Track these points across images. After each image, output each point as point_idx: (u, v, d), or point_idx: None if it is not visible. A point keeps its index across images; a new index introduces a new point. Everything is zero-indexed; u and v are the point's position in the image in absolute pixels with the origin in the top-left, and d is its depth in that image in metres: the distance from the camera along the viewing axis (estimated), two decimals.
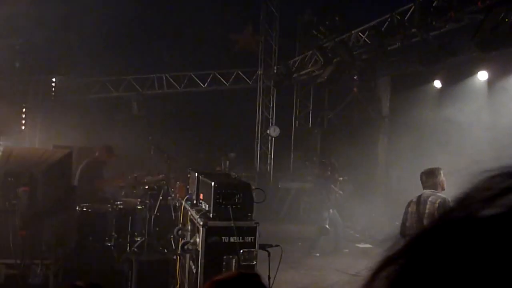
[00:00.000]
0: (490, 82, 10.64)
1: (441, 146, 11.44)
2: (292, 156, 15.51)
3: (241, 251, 3.81)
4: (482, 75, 10.52)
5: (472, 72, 10.60)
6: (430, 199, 5.05)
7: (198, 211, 4.20)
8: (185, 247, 3.94)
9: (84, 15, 11.89)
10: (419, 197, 5.18)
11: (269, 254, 4.17)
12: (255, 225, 3.89)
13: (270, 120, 15.21)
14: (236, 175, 13.59)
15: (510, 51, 6.81)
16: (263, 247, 4.11)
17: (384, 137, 14.49)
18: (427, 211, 4.98)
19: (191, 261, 4.21)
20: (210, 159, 14.52)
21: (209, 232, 3.76)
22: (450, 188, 10.52)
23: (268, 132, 14.91)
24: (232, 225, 3.74)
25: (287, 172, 14.95)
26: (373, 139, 14.36)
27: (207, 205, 4.05)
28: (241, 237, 3.82)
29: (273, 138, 15.13)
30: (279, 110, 15.22)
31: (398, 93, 13.80)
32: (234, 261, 3.78)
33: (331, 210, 9.40)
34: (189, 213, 4.46)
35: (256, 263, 3.93)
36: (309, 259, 9.24)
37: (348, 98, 14.78)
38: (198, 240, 3.80)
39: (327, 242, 9.69)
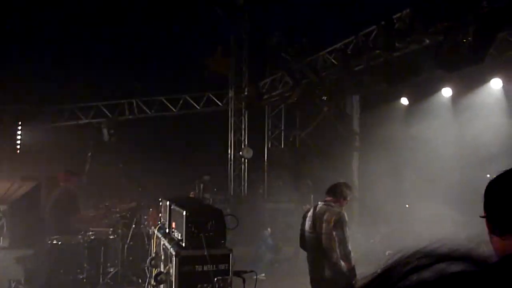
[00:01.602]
0: (454, 99, 10.98)
1: (409, 162, 11.70)
2: (266, 177, 15.53)
3: (216, 279, 3.77)
4: (446, 92, 10.84)
5: (437, 89, 10.93)
6: (325, 217, 4.90)
7: (170, 240, 4.16)
8: (158, 278, 3.89)
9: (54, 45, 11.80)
10: (314, 212, 5.05)
11: (244, 281, 4.15)
12: (228, 252, 3.87)
13: (243, 141, 15.24)
14: (211, 198, 13.57)
15: (471, 69, 7.06)
16: (237, 273, 4.09)
17: (356, 154, 14.70)
18: (323, 231, 4.86)
19: None
20: (184, 183, 14.40)
21: (182, 261, 3.73)
22: (420, 203, 10.74)
23: (241, 153, 14.93)
24: (205, 253, 3.71)
25: (260, 193, 14.95)
26: (345, 156, 14.54)
27: (179, 234, 4.02)
28: (214, 265, 3.79)
29: (246, 160, 15.14)
30: (251, 132, 15.29)
31: (367, 110, 14.09)
32: None
33: (269, 229, 9.37)
34: (161, 243, 4.42)
35: None
36: (286, 282, 9.21)
37: (318, 118, 14.96)
38: (171, 270, 3.76)
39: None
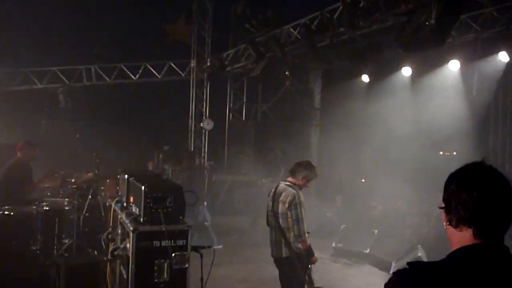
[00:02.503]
0: (414, 78, 11.20)
1: (368, 139, 11.95)
2: (226, 150, 15.53)
3: (173, 254, 3.79)
4: (406, 71, 11.03)
5: (397, 68, 11.10)
6: (281, 197, 4.96)
7: (128, 215, 4.12)
8: (115, 252, 3.86)
9: (7, 3, 11.19)
10: (275, 192, 5.10)
11: (201, 256, 4.18)
12: (187, 228, 3.88)
13: (204, 113, 15.12)
14: (170, 170, 13.46)
15: (431, 50, 7.20)
16: (195, 249, 4.11)
17: (316, 128, 14.87)
18: (280, 211, 4.95)
19: (121, 266, 4.13)
20: (143, 153, 14.21)
21: (140, 237, 3.71)
22: (376, 179, 11.03)
23: (202, 125, 14.82)
24: (164, 229, 3.71)
25: (221, 165, 14.97)
26: (305, 131, 14.70)
27: (137, 209, 3.98)
28: (172, 241, 3.79)
29: (207, 132, 15.07)
30: (213, 103, 15.16)
31: (329, 86, 14.22)
32: (166, 265, 3.76)
33: (205, 203, 9.41)
34: (119, 217, 4.37)
35: (188, 266, 3.93)
36: (244, 252, 9.35)
37: (281, 91, 14.99)
38: (128, 245, 3.74)
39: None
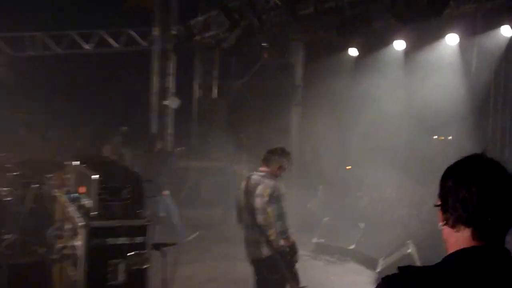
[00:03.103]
0: (407, 53, 11.29)
1: (355, 121, 12.05)
2: (194, 131, 15.44)
3: (130, 253, 3.77)
4: (399, 45, 11.10)
5: (389, 41, 11.16)
6: (257, 191, 4.96)
7: (79, 208, 4.08)
8: (63, 252, 3.82)
9: None
10: (248, 184, 5.11)
11: (163, 254, 4.17)
12: (146, 223, 3.86)
13: (169, 89, 14.97)
14: (128, 154, 13.33)
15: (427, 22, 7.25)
16: (156, 247, 4.11)
17: (297, 108, 14.91)
18: (257, 206, 4.95)
19: (71, 267, 4.10)
20: (98, 135, 14.02)
21: (92, 233, 3.68)
22: (363, 166, 11.16)
23: (166, 103, 14.68)
24: (119, 224, 3.68)
25: (187, 148, 14.90)
26: (285, 110, 14.73)
27: (89, 201, 3.94)
28: (130, 238, 3.78)
29: (173, 110, 14.94)
30: (179, 78, 15.00)
31: (312, 60, 14.23)
32: (122, 266, 3.75)
33: (165, 192, 9.39)
34: (68, 210, 4.31)
35: (148, 266, 3.93)
36: (214, 248, 9.38)
37: (257, 65, 14.94)
38: (78, 243, 3.70)
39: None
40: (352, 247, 8.85)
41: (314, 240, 9.40)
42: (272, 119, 14.29)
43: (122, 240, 3.73)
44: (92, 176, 3.85)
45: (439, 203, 1.65)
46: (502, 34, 9.39)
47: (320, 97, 13.10)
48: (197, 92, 15.73)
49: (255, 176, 5.10)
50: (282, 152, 5.20)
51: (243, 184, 5.18)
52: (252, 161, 12.46)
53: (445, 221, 1.63)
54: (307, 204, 11.55)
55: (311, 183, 12.42)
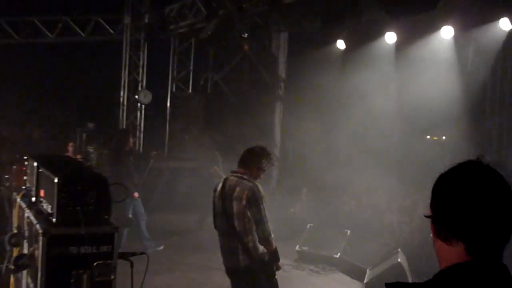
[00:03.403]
0: (399, 46, 11.35)
1: (342, 119, 12.09)
2: (167, 129, 15.37)
3: (95, 264, 3.70)
4: (390, 37, 11.15)
5: (379, 33, 11.20)
6: (235, 193, 4.94)
7: (37, 213, 3.98)
8: (20, 262, 3.73)
9: None
10: (224, 187, 5.07)
11: (131, 265, 4.10)
12: (113, 230, 3.79)
13: (140, 82, 14.89)
14: (95, 153, 13.22)
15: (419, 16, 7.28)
16: (124, 256, 4.03)
17: (279, 104, 14.92)
18: (234, 210, 4.93)
19: (29, 278, 4.01)
20: (61, 132, 13.89)
21: (52, 242, 3.59)
22: (350, 168, 11.19)
23: (137, 97, 14.60)
24: (83, 232, 3.61)
25: (161, 148, 14.83)
26: (266, 107, 14.73)
27: (49, 206, 3.86)
28: (95, 247, 3.70)
29: (144, 106, 14.86)
30: (151, 70, 14.96)
31: (297, 53, 14.24)
32: (85, 277, 3.68)
33: (136, 194, 9.35)
34: (26, 215, 4.22)
35: (114, 278, 3.86)
36: (187, 258, 9.34)
37: (237, 58, 14.92)
38: (37, 252, 3.62)
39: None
40: (337, 255, 8.87)
41: (297, 247, 9.40)
42: (253, 116, 14.27)
43: (86, 249, 3.64)
44: (53, 178, 3.76)
45: (430, 214, 1.63)
46: (500, 28, 9.47)
47: (304, 93, 13.14)
48: (170, 86, 15.64)
49: (232, 178, 5.06)
50: (262, 152, 5.15)
51: (218, 186, 5.14)
52: (231, 161, 12.44)
53: (437, 234, 1.61)
54: (290, 209, 11.57)
55: (295, 185, 12.44)
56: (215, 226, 5.25)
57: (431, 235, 1.64)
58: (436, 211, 1.61)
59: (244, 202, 4.86)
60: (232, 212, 4.93)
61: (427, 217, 1.64)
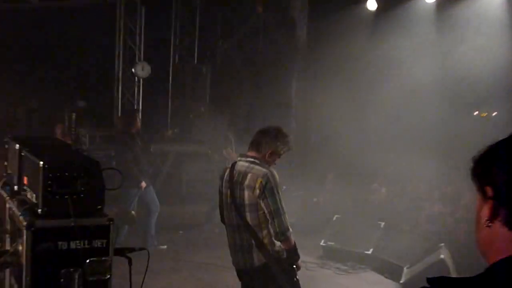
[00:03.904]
0: (440, 5, 11.24)
1: (373, 91, 12.02)
2: (170, 107, 15.38)
3: (88, 261, 3.74)
4: None
5: None
6: (247, 181, 4.90)
7: (21, 204, 4.02)
8: (1, 260, 3.77)
9: None
10: (232, 173, 5.05)
11: (130, 262, 4.14)
12: (107, 222, 3.82)
13: (137, 53, 14.87)
14: (87, 135, 13.30)
15: None
16: (120, 252, 4.07)
17: (299, 76, 14.86)
18: (246, 201, 4.91)
19: (12, 277, 4.07)
20: (48, 111, 13.97)
21: (38, 236, 3.62)
22: (383, 150, 11.14)
23: (133, 70, 14.60)
24: (73, 224, 3.64)
25: (163, 129, 14.87)
26: (284, 79, 14.69)
27: (34, 195, 3.89)
28: (87, 241, 3.73)
29: (142, 80, 14.87)
30: (150, 39, 14.93)
31: (319, 16, 14.14)
32: (77, 276, 3.72)
33: (143, 184, 9.36)
34: (8, 206, 4.27)
35: (110, 277, 3.91)
36: (194, 256, 9.40)
37: (249, 22, 14.86)
38: (21, 248, 3.66)
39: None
40: (369, 251, 8.88)
41: (322, 243, 9.41)
42: (269, 90, 14.25)
43: (76, 244, 3.67)
44: (37, 163, 3.79)
45: (490, 194, 1.52)
46: None
47: (329, 63, 13.05)
48: (173, 57, 15.63)
49: (242, 163, 5.03)
50: (278, 133, 5.09)
51: (226, 173, 5.13)
52: (247, 142, 12.42)
53: (494, 217, 1.51)
54: (313, 198, 11.57)
55: (318, 171, 12.43)
56: (222, 220, 5.26)
57: (483, 218, 1.54)
58: (496, 190, 1.51)
59: (257, 191, 4.84)
60: (243, 203, 4.91)
61: (488, 198, 1.53)
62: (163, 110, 15.37)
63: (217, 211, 7.48)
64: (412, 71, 11.20)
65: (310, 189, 11.68)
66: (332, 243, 9.39)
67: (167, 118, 15.40)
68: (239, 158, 5.11)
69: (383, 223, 9.17)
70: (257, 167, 4.92)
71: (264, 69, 14.93)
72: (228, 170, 5.11)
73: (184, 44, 15.76)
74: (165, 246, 9.67)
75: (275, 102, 14.07)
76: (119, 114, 14.73)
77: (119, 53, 14.82)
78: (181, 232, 10.82)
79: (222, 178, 5.16)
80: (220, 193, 5.18)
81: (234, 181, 4.99)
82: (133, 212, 9.19)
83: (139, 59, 14.81)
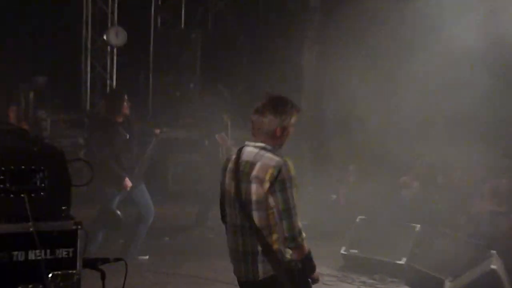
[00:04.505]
0: None
1: (407, 62, 11.96)
2: (151, 82, 15.36)
3: (50, 275, 3.72)
4: None
5: None
6: (255, 172, 4.87)
7: None
8: None
9: None
10: (237, 164, 5.03)
11: (103, 276, 4.11)
12: (74, 226, 3.79)
13: (110, 16, 14.86)
14: (48, 120, 13.27)
15: None
16: (91, 264, 4.04)
17: (311, 44, 14.83)
18: (253, 196, 4.87)
19: None
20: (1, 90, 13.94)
21: None
22: (416, 136, 11.10)
23: (105, 38, 14.59)
24: (31, 229, 3.60)
25: (142, 110, 14.85)
26: (293, 47, 14.67)
27: None
28: (49, 251, 3.72)
29: (116, 50, 14.85)
30: None
31: None
32: None
33: (127, 183, 9.32)
34: None
35: None
36: (181, 267, 9.42)
37: None
38: None
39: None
40: (402, 261, 8.87)
41: (343, 250, 9.41)
42: (273, 61, 14.23)
43: (36, 254, 3.65)
44: None
45: None
46: None
47: (348, 28, 13.00)
48: (154, 20, 15.59)
49: (250, 149, 4.98)
50: (274, 105, 4.98)
51: (230, 162, 5.07)
52: (244, 126, 12.36)
53: None
54: (331, 195, 11.55)
55: (337, 162, 12.42)
56: (223, 219, 5.21)
57: None
58: None
59: (267, 184, 4.79)
60: (249, 199, 4.86)
61: None
62: (142, 87, 15.34)
63: (210, 213, 7.50)
64: (453, 36, 11.11)
65: (326, 184, 11.67)
66: (355, 251, 9.39)
67: (148, 96, 15.36)
68: (246, 143, 5.04)
69: (418, 226, 9.14)
70: (268, 154, 4.85)
71: (267, 35, 14.89)
72: (233, 159, 5.05)
73: (167, 3, 15.70)
74: (147, 256, 9.65)
75: (281, 77, 14.03)
76: (88, 92, 14.72)
77: (87, 16, 14.80)
78: (166, 238, 10.80)
79: (225, 169, 5.09)
80: (222, 186, 5.12)
81: (239, 172, 4.93)
82: (118, 212, 9.15)
83: (112, 24, 14.79)
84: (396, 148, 10.92)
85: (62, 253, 3.73)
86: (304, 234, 4.86)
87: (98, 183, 9.44)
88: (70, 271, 3.75)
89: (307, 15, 14.75)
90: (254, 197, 4.83)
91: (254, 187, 4.83)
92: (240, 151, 5.03)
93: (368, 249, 9.32)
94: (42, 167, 3.71)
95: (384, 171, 11.35)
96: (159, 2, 15.65)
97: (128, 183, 9.25)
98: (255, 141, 5.00)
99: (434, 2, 11.18)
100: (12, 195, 3.68)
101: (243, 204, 4.90)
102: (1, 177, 3.67)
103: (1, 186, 3.67)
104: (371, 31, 12.54)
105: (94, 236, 8.99)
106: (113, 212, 9.12)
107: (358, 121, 12.61)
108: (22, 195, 3.67)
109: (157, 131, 10.64)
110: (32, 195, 3.69)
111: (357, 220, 9.71)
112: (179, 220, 11.68)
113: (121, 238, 9.48)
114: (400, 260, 8.91)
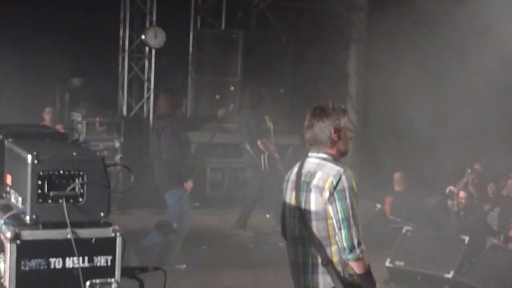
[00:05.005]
0: None
1: (457, 62, 11.90)
2: (190, 84, 15.42)
3: (88, 283, 3.80)
4: None
5: None
6: (315, 180, 4.89)
7: (3, 210, 4.08)
8: None
9: None
10: (299, 175, 5.06)
11: (141, 285, 4.20)
12: (114, 233, 3.86)
13: (148, 16, 14.96)
14: (84, 122, 13.42)
15: None
16: (130, 273, 4.12)
17: (358, 46, 14.83)
18: (313, 207, 4.89)
19: None
20: (36, 91, 14.11)
21: (25, 251, 3.68)
22: (468, 139, 11.00)
23: (144, 38, 14.70)
24: (69, 236, 3.68)
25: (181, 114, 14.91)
26: (339, 47, 14.66)
27: (19, 198, 3.94)
28: (87, 258, 3.78)
29: (154, 51, 14.95)
30: None
31: None
32: None
33: (189, 184, 9.33)
34: None
35: None
36: (223, 277, 9.44)
37: None
38: (3, 266, 3.71)
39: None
40: (450, 275, 8.82)
41: (388, 263, 9.38)
42: (318, 63, 14.22)
43: (74, 262, 3.71)
44: (24, 157, 3.83)
45: None
46: None
47: (397, 29, 12.97)
48: (194, 20, 15.67)
49: (312, 160, 5.02)
50: (321, 111, 5.02)
51: (292, 173, 5.13)
52: (286, 131, 12.40)
53: None
54: (375, 204, 11.53)
55: (382, 169, 12.38)
56: (284, 233, 5.26)
57: None
58: None
59: (326, 193, 4.82)
60: (309, 209, 4.90)
61: None
62: (181, 88, 15.39)
63: (250, 219, 7.56)
64: (505, 39, 11.04)
65: (370, 193, 11.64)
66: (401, 263, 9.34)
67: (186, 98, 15.41)
68: (309, 154, 5.10)
69: (467, 238, 9.08)
70: (330, 164, 4.88)
71: (311, 35, 14.89)
72: (295, 169, 5.11)
73: (208, 4, 15.76)
74: (184, 265, 9.69)
75: (327, 79, 14.03)
76: (125, 95, 14.84)
77: (125, 16, 14.92)
78: (204, 247, 10.84)
79: (287, 180, 5.16)
80: (285, 198, 5.17)
81: (300, 182, 4.99)
82: (174, 225, 9.10)
83: (151, 24, 14.88)
84: (445, 156, 10.87)
85: (100, 261, 3.78)
86: (363, 247, 4.84)
87: (162, 184, 9.63)
88: (108, 280, 3.81)
89: (354, 14, 14.74)
90: (313, 207, 4.86)
91: (313, 196, 4.86)
92: (302, 162, 5.10)
93: (414, 262, 9.28)
94: (81, 173, 3.78)
95: (433, 180, 11.31)
96: (199, 2, 15.68)
97: (191, 184, 9.35)
98: (318, 152, 5.05)
99: (486, 3, 11.13)
100: (50, 201, 3.75)
101: (302, 213, 4.93)
102: (40, 182, 3.75)
103: (40, 191, 3.74)
104: (419, 33, 12.52)
105: (171, 244, 9.22)
106: (170, 223, 9.09)
107: (406, 128, 12.58)
108: (60, 201, 3.74)
109: (220, 112, 10.72)
110: (71, 201, 3.76)
111: (403, 230, 9.67)
112: (217, 227, 11.70)
113: (157, 247, 9.53)
114: (448, 273, 8.85)
